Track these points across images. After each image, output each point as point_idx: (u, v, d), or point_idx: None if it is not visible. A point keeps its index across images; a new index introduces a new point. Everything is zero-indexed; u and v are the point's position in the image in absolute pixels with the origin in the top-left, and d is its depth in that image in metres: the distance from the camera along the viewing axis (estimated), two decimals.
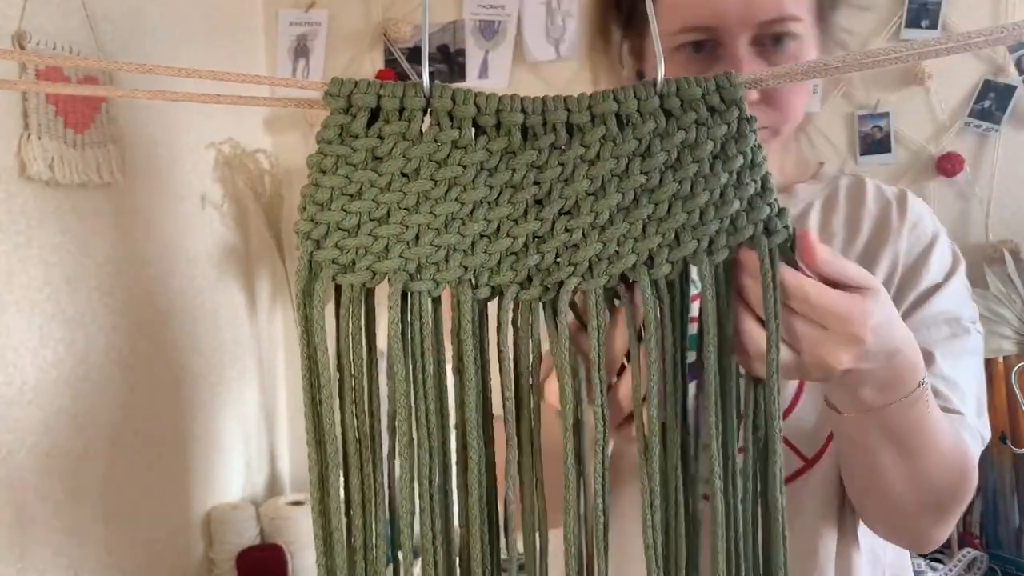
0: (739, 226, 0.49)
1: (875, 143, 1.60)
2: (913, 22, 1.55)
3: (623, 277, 0.50)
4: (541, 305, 0.51)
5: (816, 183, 0.83)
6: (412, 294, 0.50)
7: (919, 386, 0.59)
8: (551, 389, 0.53)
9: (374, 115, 0.50)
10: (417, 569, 1.26)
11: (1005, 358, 1.49)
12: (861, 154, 1.61)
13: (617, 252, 0.50)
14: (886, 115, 1.58)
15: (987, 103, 1.54)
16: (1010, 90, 1.53)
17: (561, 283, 0.50)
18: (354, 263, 0.50)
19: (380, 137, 0.50)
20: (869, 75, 1.58)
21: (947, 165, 1.55)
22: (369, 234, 0.50)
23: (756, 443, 0.51)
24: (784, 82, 0.52)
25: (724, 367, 0.50)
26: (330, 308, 0.51)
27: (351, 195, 0.50)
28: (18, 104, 1.27)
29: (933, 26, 1.54)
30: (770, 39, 0.72)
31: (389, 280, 0.50)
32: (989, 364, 1.50)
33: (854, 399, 0.59)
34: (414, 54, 1.78)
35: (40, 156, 1.27)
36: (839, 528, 0.79)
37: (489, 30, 1.73)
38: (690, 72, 0.67)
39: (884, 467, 0.65)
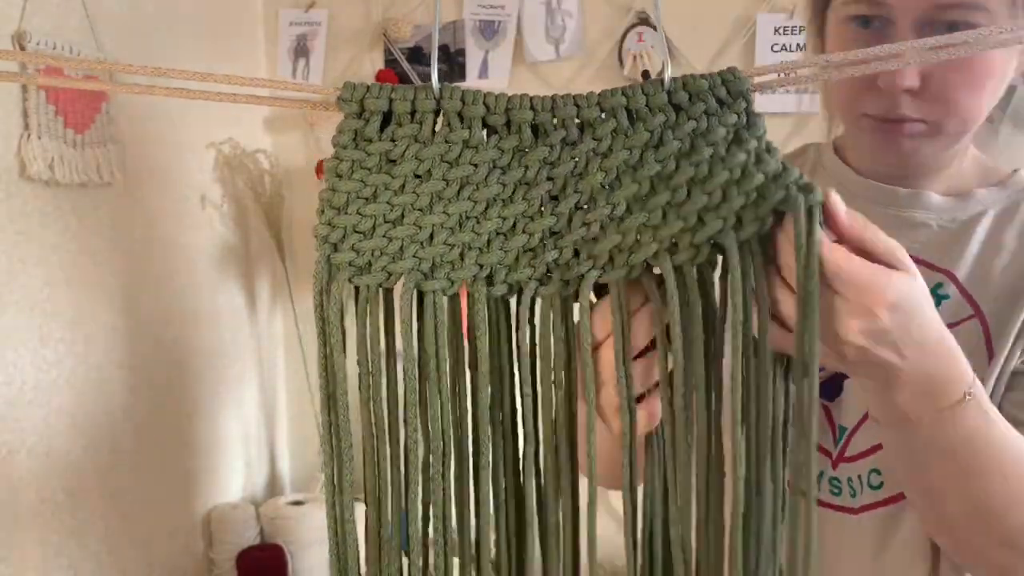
0: (768, 195, 0.46)
1: None
2: None
3: (647, 266, 0.50)
4: (561, 300, 0.51)
5: (1001, 190, 0.77)
6: (427, 293, 0.51)
7: (966, 397, 0.55)
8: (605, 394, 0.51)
9: (386, 118, 0.51)
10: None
11: None
12: None
13: (637, 241, 0.49)
14: None
15: None
16: (1010, 90, 1.53)
17: (581, 277, 0.50)
18: (370, 264, 0.51)
19: (393, 140, 0.50)
20: None
21: None
22: (384, 236, 0.50)
23: (794, 420, 0.49)
24: (784, 83, 0.52)
25: (756, 349, 0.48)
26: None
27: (366, 198, 0.50)
28: (18, 104, 1.27)
29: None
30: (945, 27, 0.65)
31: (404, 279, 0.50)
32: None
33: (891, 406, 0.56)
34: (414, 54, 1.78)
35: (40, 156, 1.27)
36: (935, 558, 0.74)
37: (489, 30, 1.73)
38: (856, 48, 0.60)
39: (938, 489, 0.62)
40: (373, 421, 0.52)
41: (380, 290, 0.51)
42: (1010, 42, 0.50)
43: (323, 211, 0.51)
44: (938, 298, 0.72)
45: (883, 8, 0.68)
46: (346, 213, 0.50)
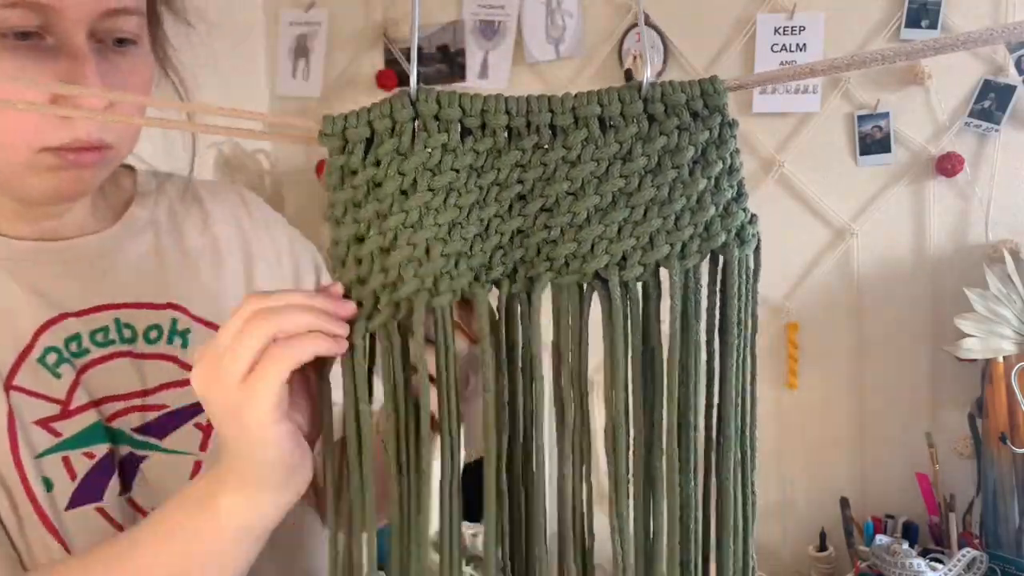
0: (712, 232, 0.50)
1: (875, 143, 1.59)
2: (913, 22, 1.55)
3: (597, 275, 0.51)
4: (527, 296, 0.52)
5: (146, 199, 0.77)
6: (432, 310, 0.51)
7: None
8: None
9: (369, 141, 0.51)
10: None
11: (1005, 358, 1.49)
12: (861, 154, 1.61)
13: (592, 251, 0.50)
14: (886, 115, 1.58)
15: (987, 103, 1.53)
16: (1010, 90, 1.52)
17: (539, 276, 0.51)
18: (376, 306, 0.50)
19: (377, 162, 0.50)
20: (869, 75, 1.58)
21: (947, 165, 1.55)
22: (380, 270, 0.50)
23: (716, 436, 0.53)
24: (778, 83, 0.52)
25: (685, 366, 0.51)
26: None
27: (360, 238, 0.50)
28: None
29: (933, 26, 1.54)
30: (113, 40, 0.63)
31: (414, 302, 0.50)
32: (989, 364, 1.50)
33: None
34: None
35: None
36: None
37: (489, 30, 1.73)
38: (18, 65, 0.56)
39: None
40: (407, 448, 0.52)
41: (396, 322, 0.51)
42: (1000, 40, 0.50)
43: (333, 269, 0.51)
44: (181, 336, 0.71)
45: (46, 14, 0.57)
46: (346, 266, 0.50)
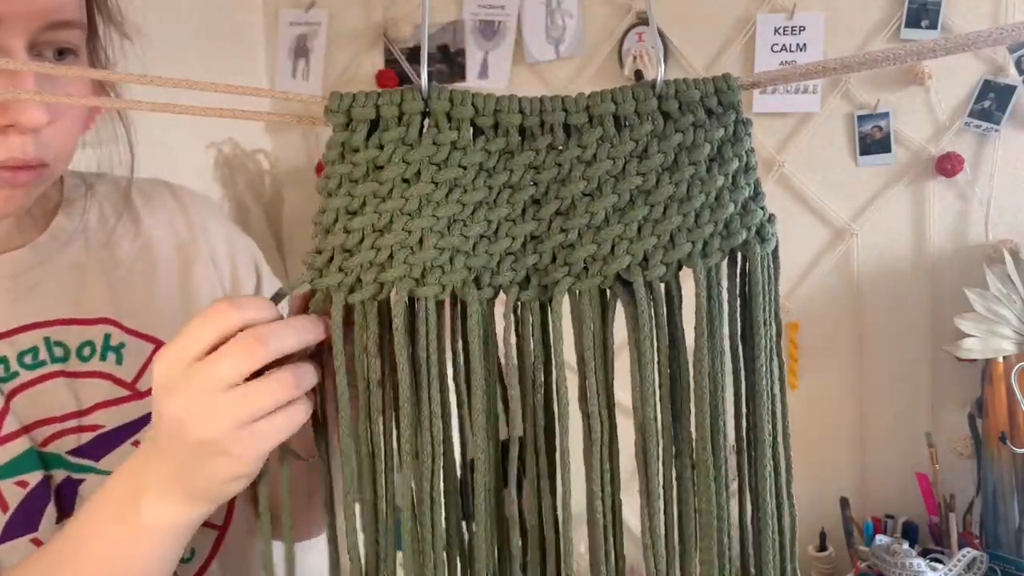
0: (732, 230, 0.50)
1: (875, 143, 1.59)
2: (913, 22, 1.55)
3: (618, 277, 0.50)
4: (540, 305, 0.51)
5: (71, 208, 0.73)
6: (417, 300, 0.50)
7: None
8: None
9: (374, 124, 0.50)
10: None
11: (1005, 358, 1.49)
12: (861, 154, 1.61)
13: (612, 252, 0.50)
14: (886, 115, 1.58)
15: (987, 103, 1.54)
16: (1010, 90, 1.53)
17: (557, 283, 0.50)
18: (360, 280, 0.50)
19: (380, 146, 0.50)
20: (869, 75, 1.58)
21: (947, 165, 1.55)
22: (372, 247, 0.50)
23: (748, 445, 0.52)
24: (782, 83, 0.52)
25: (713, 370, 0.50)
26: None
27: (353, 212, 0.50)
28: None
29: (933, 26, 1.54)
30: (53, 52, 0.61)
31: (395, 288, 0.50)
32: (989, 364, 1.50)
33: None
34: (414, 54, 1.77)
35: None
36: None
37: (489, 30, 1.73)
38: None
39: None
40: (369, 438, 0.52)
41: (375, 304, 0.51)
42: (1009, 40, 0.50)
43: (314, 235, 0.51)
44: (115, 351, 0.68)
45: None
46: (332, 233, 0.50)
